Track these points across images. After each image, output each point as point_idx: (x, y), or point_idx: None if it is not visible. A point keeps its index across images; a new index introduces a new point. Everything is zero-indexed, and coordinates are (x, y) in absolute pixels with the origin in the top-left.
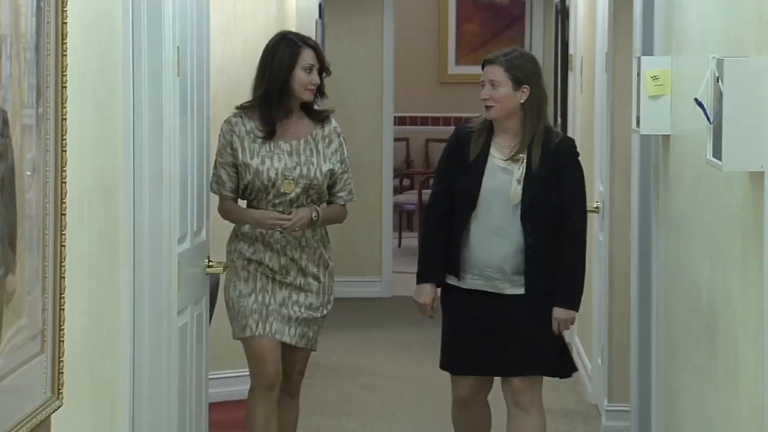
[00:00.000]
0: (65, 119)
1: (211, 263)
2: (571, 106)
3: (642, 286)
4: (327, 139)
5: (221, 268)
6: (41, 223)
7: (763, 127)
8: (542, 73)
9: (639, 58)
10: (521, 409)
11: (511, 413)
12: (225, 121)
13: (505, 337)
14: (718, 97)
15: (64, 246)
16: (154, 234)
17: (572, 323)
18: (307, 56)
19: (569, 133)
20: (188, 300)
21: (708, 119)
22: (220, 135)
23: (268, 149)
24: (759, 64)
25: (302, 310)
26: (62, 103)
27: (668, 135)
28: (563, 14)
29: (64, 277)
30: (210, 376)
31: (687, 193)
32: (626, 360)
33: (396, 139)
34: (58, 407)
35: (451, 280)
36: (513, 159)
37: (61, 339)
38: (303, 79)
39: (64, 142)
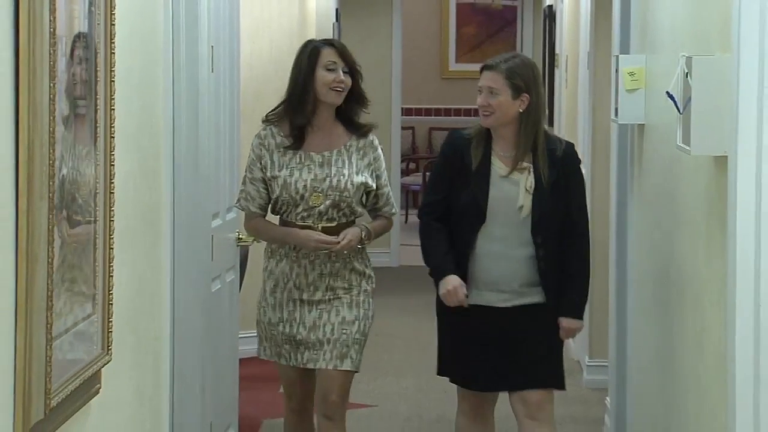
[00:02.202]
0: (113, 109)
1: (241, 237)
2: (557, 99)
3: (619, 257)
4: (361, 152)
5: (250, 241)
6: (93, 199)
7: (726, 117)
8: (541, 81)
9: (617, 57)
10: (536, 420)
11: (524, 426)
12: (255, 135)
13: (517, 350)
14: (687, 90)
15: (112, 221)
16: (192, 211)
17: (578, 332)
18: (327, 54)
19: (555, 124)
20: (221, 269)
21: (678, 110)
22: (250, 150)
23: (298, 161)
24: (723, 61)
25: (334, 329)
26: (110, 95)
27: (643, 124)
28: (550, 18)
29: (112, 248)
30: (240, 335)
31: (659, 175)
32: (605, 321)
33: (403, 128)
34: (108, 362)
35: None
36: (518, 169)
37: (110, 302)
38: (326, 77)
39: (112, 129)
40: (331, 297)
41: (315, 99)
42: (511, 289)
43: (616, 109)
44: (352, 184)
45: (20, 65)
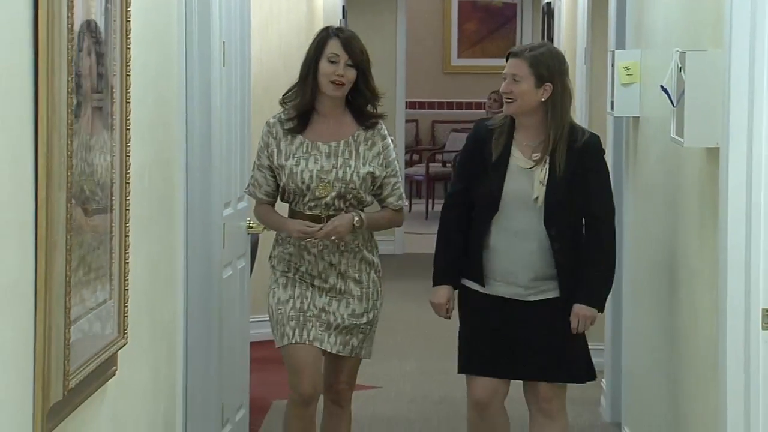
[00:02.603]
0: (129, 102)
1: (251, 225)
2: None
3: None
4: (369, 142)
5: (261, 229)
6: (109, 189)
7: (718, 110)
8: (568, 71)
9: (613, 52)
10: (547, 416)
11: (534, 419)
12: (265, 123)
13: (533, 343)
14: (681, 84)
15: (128, 210)
16: (204, 200)
17: (593, 323)
18: (332, 45)
19: None
20: (232, 256)
21: (672, 103)
22: (260, 137)
23: (305, 150)
24: (715, 56)
25: (344, 317)
26: (126, 89)
27: (638, 116)
28: (549, 15)
29: (128, 236)
30: (250, 320)
31: (653, 165)
32: None
33: (407, 121)
34: (123, 345)
35: (472, 285)
36: (535, 160)
37: (126, 288)
38: (326, 69)
39: (127, 121)
40: (343, 287)
41: (317, 87)
42: (525, 282)
43: (612, 103)
44: (358, 175)
45: (39, 60)
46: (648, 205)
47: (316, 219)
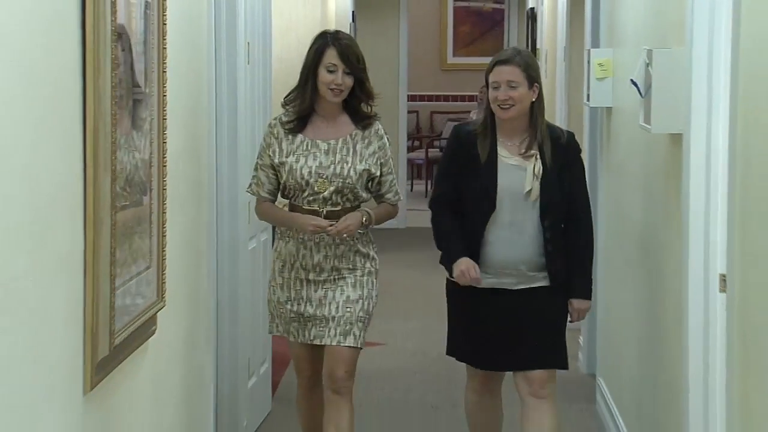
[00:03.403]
0: (165, 96)
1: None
2: None
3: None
4: (366, 140)
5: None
6: (148, 172)
7: (681, 101)
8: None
9: (589, 50)
10: (540, 398)
11: (527, 403)
12: (267, 124)
13: (522, 332)
14: (648, 78)
15: (165, 190)
16: (231, 182)
17: (588, 313)
18: (329, 56)
19: None
20: (256, 230)
21: (640, 94)
22: (262, 138)
23: (304, 148)
24: (679, 54)
25: (339, 307)
26: (163, 84)
27: (611, 107)
28: (532, 18)
29: (165, 213)
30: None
31: (624, 149)
32: None
33: (408, 112)
34: (162, 307)
35: None
36: (524, 156)
37: (164, 258)
38: (325, 78)
39: (164, 112)
40: (336, 277)
41: (316, 92)
42: (519, 272)
43: (588, 95)
44: (355, 171)
45: (86, 59)
46: (620, 184)
47: (315, 213)
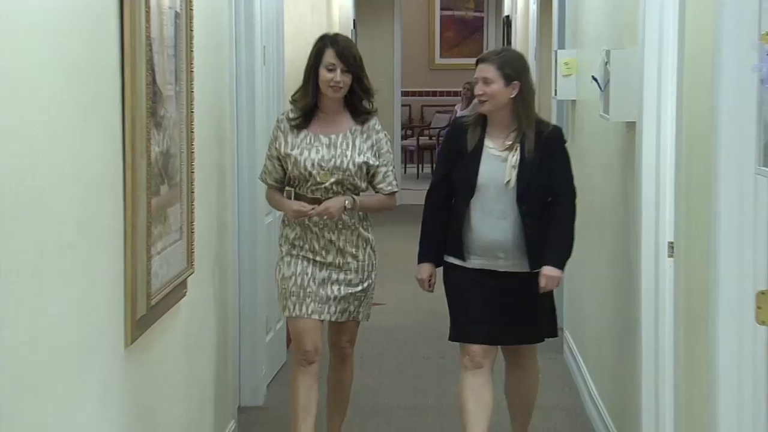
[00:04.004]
0: (192, 92)
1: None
2: None
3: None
4: (365, 135)
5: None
6: (179, 159)
7: (634, 94)
8: (530, 70)
9: (556, 51)
10: (523, 368)
11: (510, 370)
12: (275, 119)
13: (511, 311)
14: (607, 74)
15: (193, 173)
16: (250, 166)
17: (558, 284)
18: (328, 56)
19: None
20: (272, 207)
21: (600, 89)
22: (271, 131)
23: (308, 142)
24: (632, 53)
25: (341, 288)
26: (190, 82)
27: (575, 99)
28: (507, 25)
29: (193, 192)
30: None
31: (587, 135)
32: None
33: (402, 105)
34: (191, 273)
35: (455, 261)
36: (507, 148)
37: (192, 231)
38: (324, 76)
39: (192, 106)
40: (341, 261)
41: (318, 90)
42: (505, 255)
43: (556, 90)
44: (354, 163)
45: (125, 61)
46: (583, 166)
47: (317, 201)
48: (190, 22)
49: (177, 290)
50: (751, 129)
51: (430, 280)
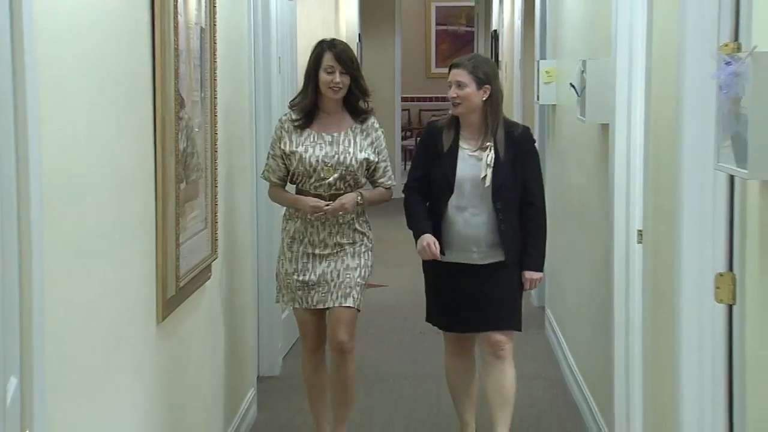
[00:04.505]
0: (216, 98)
1: None
2: None
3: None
4: (364, 133)
5: None
6: (204, 156)
7: (608, 99)
8: (498, 74)
9: (538, 61)
10: (498, 358)
11: (487, 362)
12: (278, 120)
13: (484, 300)
14: (583, 82)
15: (216, 169)
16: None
17: (539, 282)
18: (327, 59)
19: None
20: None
21: (577, 94)
22: (273, 131)
23: (312, 140)
24: (606, 63)
25: (339, 274)
26: (214, 89)
27: (555, 104)
28: (495, 38)
29: (216, 186)
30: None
31: (566, 136)
32: None
33: (402, 109)
34: (215, 259)
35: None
36: (481, 148)
37: (216, 221)
38: (324, 78)
39: (215, 110)
40: (338, 250)
41: (318, 91)
42: (478, 249)
43: (538, 95)
44: (356, 160)
45: (156, 70)
46: (562, 163)
47: (320, 197)
48: (214, 36)
49: (202, 274)
50: (711, 129)
51: (434, 245)
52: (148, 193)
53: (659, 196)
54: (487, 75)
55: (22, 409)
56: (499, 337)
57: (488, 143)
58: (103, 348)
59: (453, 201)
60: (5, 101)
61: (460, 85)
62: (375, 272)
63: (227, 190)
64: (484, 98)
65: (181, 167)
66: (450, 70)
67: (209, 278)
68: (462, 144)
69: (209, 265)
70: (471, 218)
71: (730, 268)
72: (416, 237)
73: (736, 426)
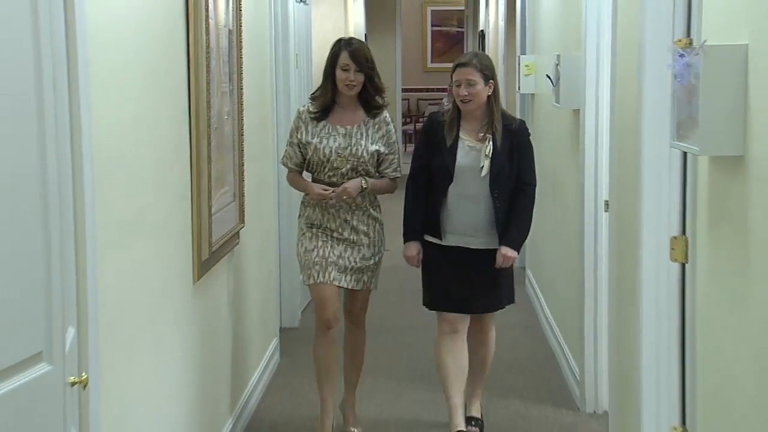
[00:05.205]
0: (242, 89)
1: None
2: None
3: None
4: (376, 126)
5: None
6: (232, 140)
7: (579, 88)
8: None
9: (519, 56)
10: (482, 332)
11: (472, 335)
12: (296, 110)
13: (477, 282)
14: (557, 73)
15: (243, 151)
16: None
17: (513, 263)
18: (343, 58)
19: None
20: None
21: (552, 84)
22: (292, 121)
23: (327, 131)
24: (578, 57)
25: (357, 261)
26: (240, 81)
27: (534, 93)
28: (482, 37)
29: (243, 165)
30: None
31: (543, 121)
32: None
33: (402, 99)
34: (242, 227)
35: (433, 239)
36: (481, 140)
37: (243, 194)
38: (340, 76)
39: (241, 100)
40: (355, 238)
41: (335, 88)
42: (475, 234)
43: (519, 86)
44: (368, 152)
45: (190, 67)
46: (540, 146)
47: (333, 185)
48: (240, 37)
49: (231, 240)
50: (667, 113)
51: (418, 257)
52: (184, 172)
53: (623, 170)
54: (491, 71)
55: (79, 354)
56: (487, 318)
57: (488, 135)
58: (147, 304)
59: (453, 189)
60: (62, 95)
61: (470, 83)
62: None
63: (252, 169)
64: (489, 93)
65: (213, 149)
66: (456, 69)
67: (237, 244)
68: (462, 135)
69: (237, 233)
70: (470, 206)
71: (683, 231)
72: (404, 239)
73: (688, 358)
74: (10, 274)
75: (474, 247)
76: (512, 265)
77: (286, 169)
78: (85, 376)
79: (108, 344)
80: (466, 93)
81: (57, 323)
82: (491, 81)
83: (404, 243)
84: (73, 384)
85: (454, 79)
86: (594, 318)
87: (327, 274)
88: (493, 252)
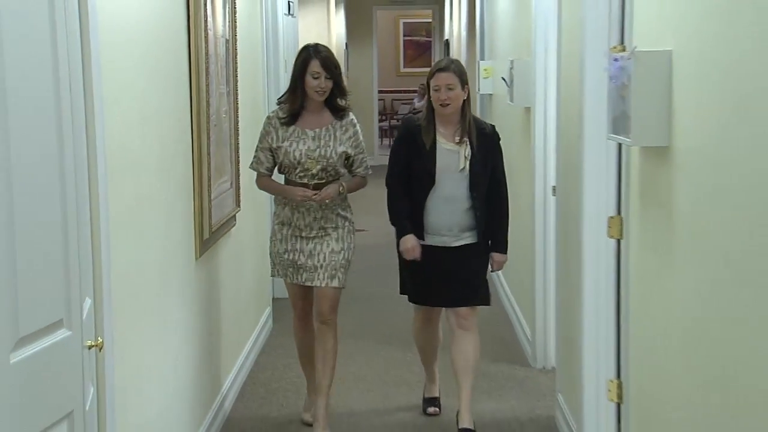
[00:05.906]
0: (237, 91)
1: None
2: None
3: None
4: (343, 128)
5: None
6: (229, 135)
7: (530, 88)
8: None
9: (479, 61)
10: (465, 330)
11: (455, 334)
12: (266, 116)
13: (454, 278)
14: (511, 76)
15: (238, 145)
16: None
17: (505, 264)
18: (313, 65)
19: None
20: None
21: (507, 86)
22: (262, 127)
23: (296, 135)
24: (528, 62)
25: (326, 257)
26: (236, 84)
27: (492, 93)
28: (447, 46)
29: (238, 157)
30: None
31: (499, 116)
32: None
33: (378, 99)
34: (238, 211)
35: None
36: (458, 143)
37: (239, 183)
38: (311, 83)
39: (237, 100)
40: (323, 234)
41: (304, 93)
42: (453, 233)
43: (479, 87)
44: (336, 153)
45: (191, 69)
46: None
47: (305, 186)
48: (235, 45)
49: (229, 222)
50: (604, 109)
51: (417, 246)
52: (187, 162)
53: (567, 159)
54: (466, 76)
55: (95, 322)
56: (464, 311)
57: (464, 138)
58: (155, 278)
59: (433, 191)
60: (77, 92)
61: (450, 87)
62: (358, 219)
63: (246, 160)
64: (465, 97)
65: (212, 143)
66: (435, 74)
67: (234, 225)
68: (439, 139)
69: (234, 216)
70: (449, 207)
71: (619, 211)
72: (399, 236)
73: (622, 320)
74: (34, 252)
75: (453, 245)
76: (485, 269)
77: (256, 175)
78: (100, 341)
79: (120, 313)
80: (446, 97)
81: (75, 294)
82: (467, 86)
83: (399, 239)
84: (90, 347)
85: (433, 84)
86: (543, 286)
87: (299, 276)
88: (469, 246)
